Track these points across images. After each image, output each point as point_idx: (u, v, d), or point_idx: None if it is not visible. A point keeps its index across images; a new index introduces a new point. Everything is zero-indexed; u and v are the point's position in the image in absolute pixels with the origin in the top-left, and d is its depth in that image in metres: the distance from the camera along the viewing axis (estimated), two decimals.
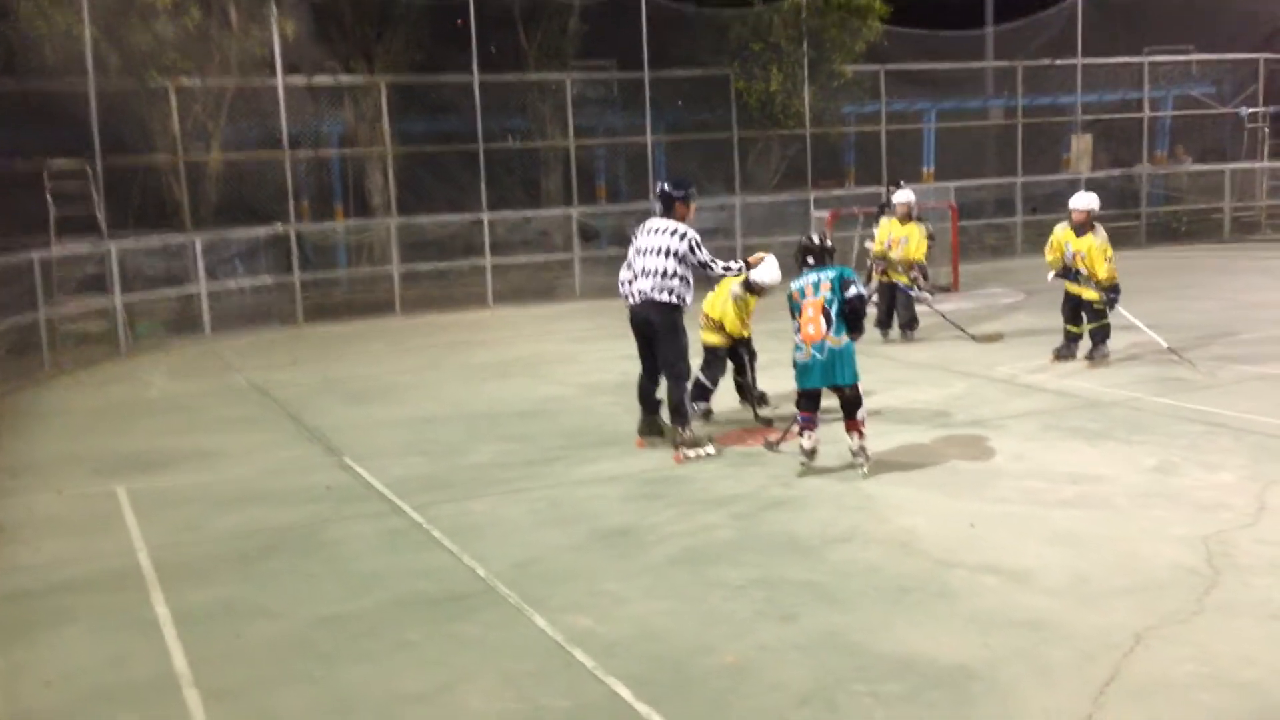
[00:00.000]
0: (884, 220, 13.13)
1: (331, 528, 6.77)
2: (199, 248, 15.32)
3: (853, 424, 7.32)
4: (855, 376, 7.28)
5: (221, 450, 8.81)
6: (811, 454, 7.37)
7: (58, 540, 6.77)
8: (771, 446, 7.75)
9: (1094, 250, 10.23)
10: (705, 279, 8.32)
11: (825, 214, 17.04)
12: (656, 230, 8.03)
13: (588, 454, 8.17)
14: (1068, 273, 10.52)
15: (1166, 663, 4.46)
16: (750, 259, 8.48)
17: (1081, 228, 10.33)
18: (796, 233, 18.95)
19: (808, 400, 7.41)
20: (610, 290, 17.66)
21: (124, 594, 5.81)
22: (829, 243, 7.65)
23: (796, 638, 4.91)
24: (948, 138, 23.51)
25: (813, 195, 19.57)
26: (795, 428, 7.54)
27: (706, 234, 19.67)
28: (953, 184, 20.43)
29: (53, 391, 11.73)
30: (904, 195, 12.88)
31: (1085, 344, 10.61)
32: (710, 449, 7.89)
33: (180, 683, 4.72)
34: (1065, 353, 10.64)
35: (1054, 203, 22.69)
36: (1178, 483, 6.80)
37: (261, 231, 16.42)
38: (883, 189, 16.66)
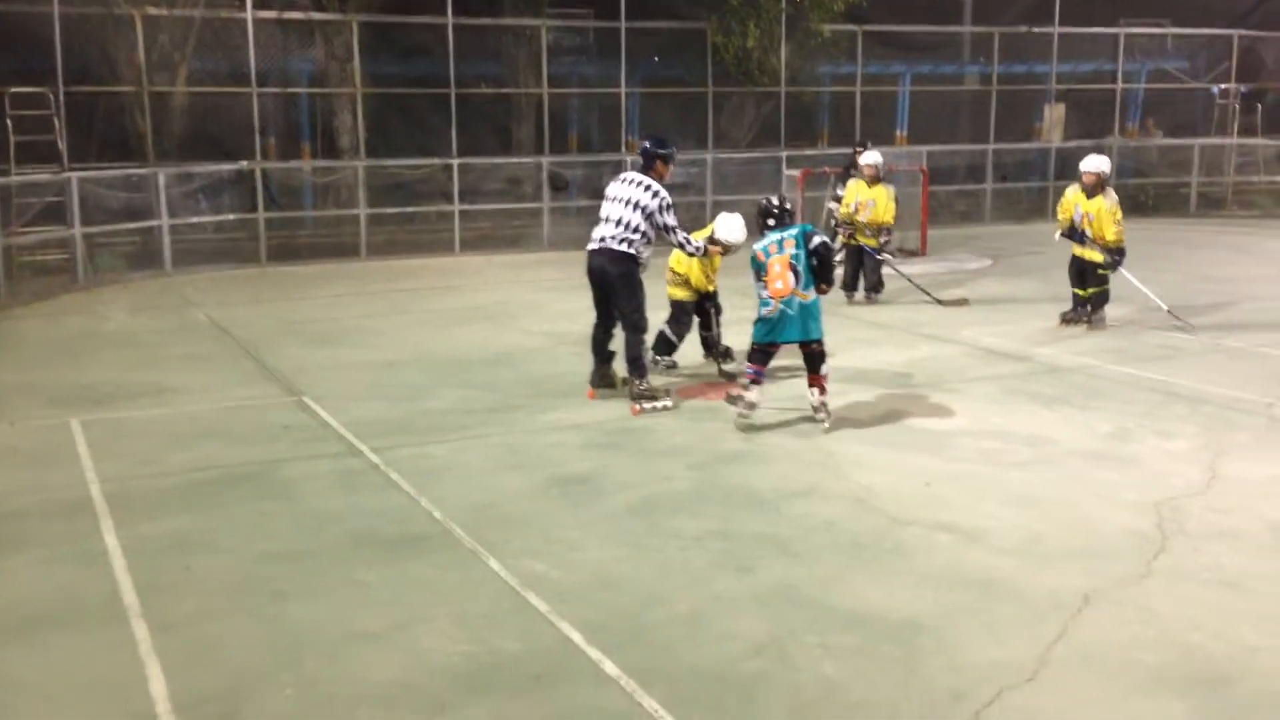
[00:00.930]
0: (851, 182, 13.08)
1: (288, 466, 6.72)
2: (162, 181, 15.07)
3: (816, 379, 7.34)
4: (822, 332, 7.29)
5: (179, 386, 8.71)
6: (752, 407, 7.41)
7: (8, 471, 6.68)
8: (734, 401, 7.76)
9: (1103, 212, 10.26)
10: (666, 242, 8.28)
11: (796, 173, 16.99)
12: (630, 181, 7.97)
13: (549, 402, 8.14)
14: (1075, 234, 10.50)
15: (1112, 624, 4.52)
16: (711, 248, 8.38)
17: (1092, 189, 10.34)
18: (768, 191, 18.99)
19: (762, 355, 7.44)
20: (580, 241, 17.59)
21: (74, 524, 5.75)
22: (788, 204, 7.64)
23: (751, 589, 4.94)
24: (922, 101, 23.47)
25: (785, 154, 19.49)
26: (744, 380, 7.56)
27: (677, 189, 19.68)
28: (925, 148, 20.42)
29: (8, 322, 11.55)
30: (871, 157, 12.80)
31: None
32: (668, 402, 7.88)
33: (128, 614, 4.68)
34: (1073, 316, 10.69)
35: (1025, 171, 22.81)
36: (1132, 449, 6.88)
37: (226, 168, 16.17)
38: (851, 150, 16.60)
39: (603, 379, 8.32)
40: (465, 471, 6.62)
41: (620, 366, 8.17)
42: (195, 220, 15.97)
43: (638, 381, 7.90)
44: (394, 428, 7.52)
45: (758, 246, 7.42)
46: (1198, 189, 22.53)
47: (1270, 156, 22.55)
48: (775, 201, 7.57)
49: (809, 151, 20.43)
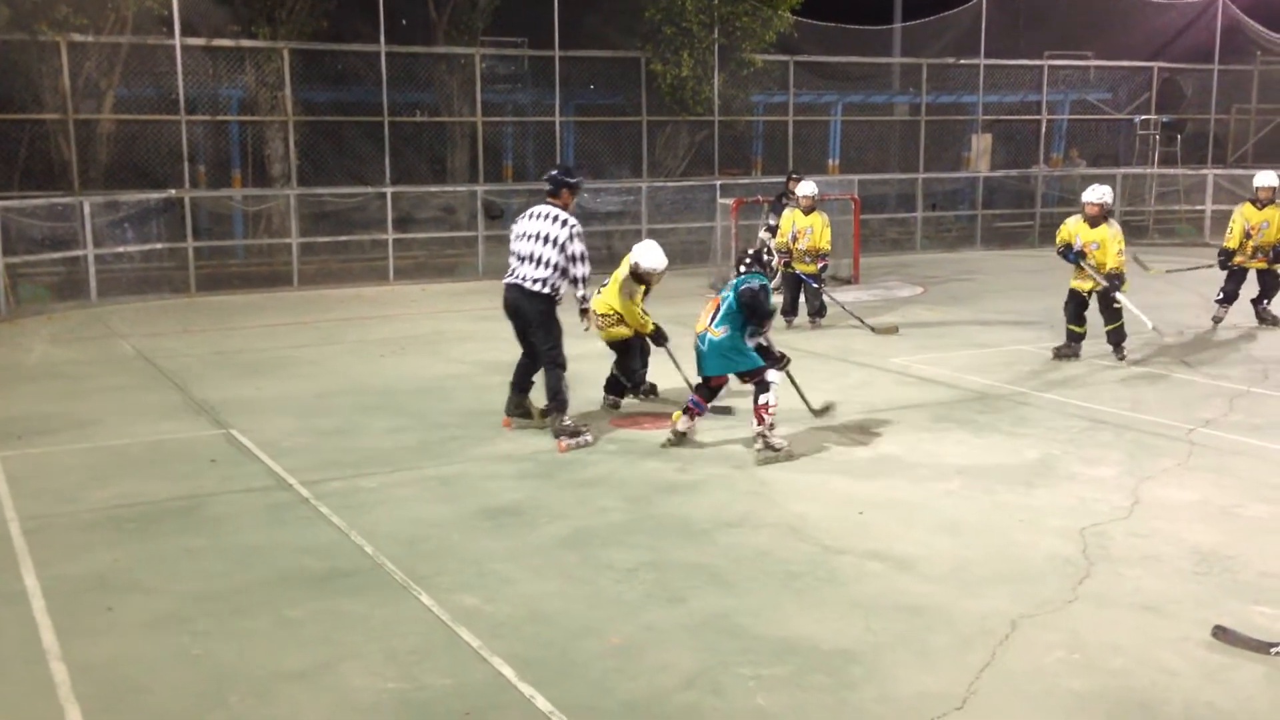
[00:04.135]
0: (787, 212, 13.33)
1: (214, 502, 6.61)
2: (87, 210, 14.76)
3: (756, 409, 7.44)
4: (733, 368, 7.50)
5: (103, 419, 8.52)
6: (679, 436, 7.62)
7: None
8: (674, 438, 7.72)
9: (1108, 240, 10.31)
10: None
11: (730, 202, 17.13)
12: (540, 216, 7.95)
13: (482, 433, 8.10)
14: (1075, 255, 10.46)
15: (1039, 649, 4.58)
16: (634, 286, 8.46)
17: (1095, 220, 10.42)
18: (702, 220, 19.15)
19: (703, 389, 7.67)
20: None
21: None
22: (764, 255, 7.94)
23: (684, 620, 4.94)
24: (853, 131, 23.82)
25: (719, 183, 19.64)
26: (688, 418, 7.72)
27: (613, 217, 19.87)
28: (856, 177, 20.71)
29: None
30: (807, 187, 13.12)
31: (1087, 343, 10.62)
32: (587, 437, 7.84)
33: (47, 655, 4.56)
34: (1067, 351, 10.58)
35: (954, 200, 23.20)
36: (1058, 475, 7.00)
37: (154, 196, 15.91)
38: (785, 178, 16.79)
39: (518, 408, 8.26)
40: (397, 504, 6.55)
41: (537, 397, 8.13)
42: (122, 250, 15.68)
43: (559, 417, 7.85)
44: (324, 461, 7.42)
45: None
46: (1120, 217, 23.05)
47: (1190, 185, 23.16)
48: (750, 252, 7.89)
49: (743, 180, 20.62)
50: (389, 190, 17.47)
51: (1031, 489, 6.72)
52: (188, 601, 5.16)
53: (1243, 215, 12.22)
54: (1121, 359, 10.41)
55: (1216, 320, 12.33)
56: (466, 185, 18.88)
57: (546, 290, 7.84)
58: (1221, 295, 12.31)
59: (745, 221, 16.87)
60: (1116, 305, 10.44)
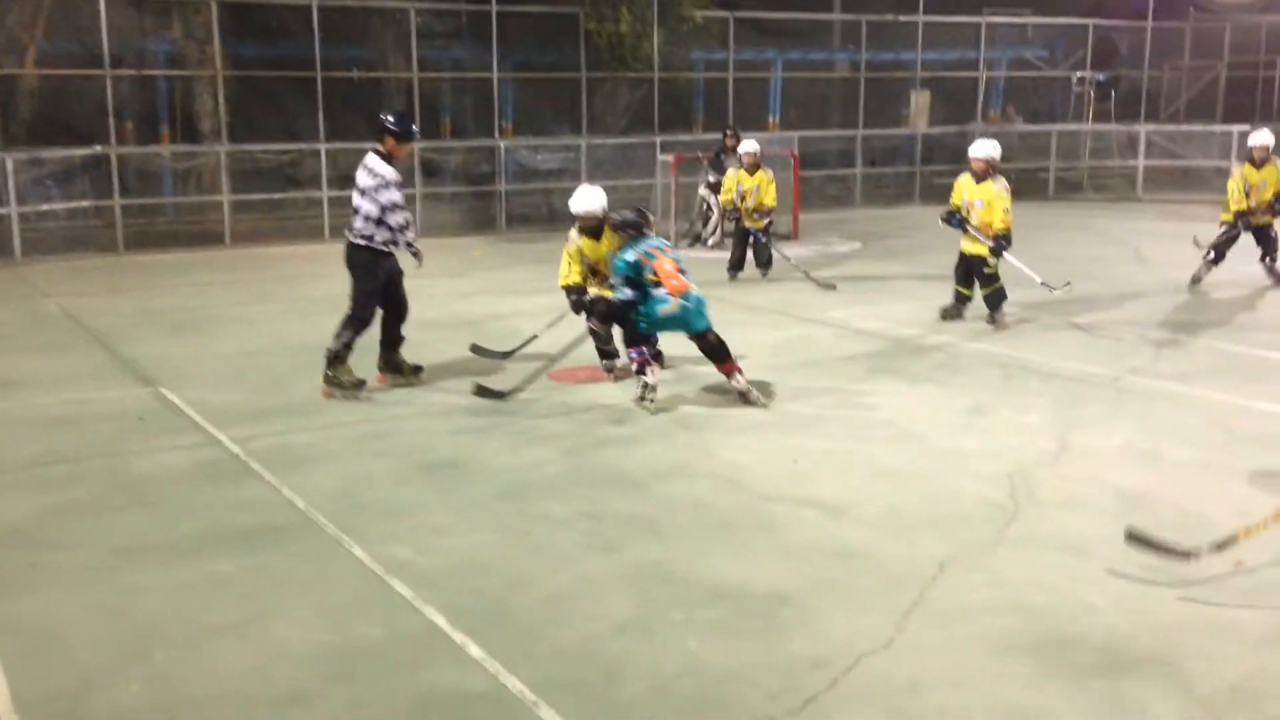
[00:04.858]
0: (731, 172, 13.34)
1: (141, 459, 6.49)
2: (10, 167, 14.37)
3: (731, 365, 7.56)
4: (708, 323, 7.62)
5: (25, 378, 8.33)
6: (654, 390, 7.54)
7: None
8: (643, 395, 7.52)
9: (992, 198, 10.08)
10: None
11: (670, 158, 17.07)
12: (362, 166, 7.85)
13: (419, 390, 8.02)
14: (955, 220, 10.31)
15: (965, 589, 4.66)
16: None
17: (980, 175, 10.23)
18: (643, 176, 19.07)
19: (645, 340, 7.64)
20: (452, 228, 17.50)
21: None
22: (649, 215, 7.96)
23: (618, 569, 4.95)
24: (793, 88, 23.80)
25: (659, 139, 19.56)
26: (632, 365, 7.64)
27: (553, 175, 19.71)
28: (796, 134, 20.73)
29: None
30: (749, 146, 13.14)
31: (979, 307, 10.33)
32: (358, 393, 7.76)
33: None
34: (953, 313, 10.38)
35: (893, 156, 23.28)
36: (988, 422, 7.10)
37: (79, 153, 15.50)
38: (721, 135, 16.74)
39: (388, 365, 8.18)
40: (329, 460, 6.48)
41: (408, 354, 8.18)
42: (47, 208, 15.27)
43: (337, 365, 7.80)
44: (256, 416, 7.32)
45: (636, 252, 7.49)
46: (1056, 173, 23.33)
47: (1123, 142, 23.46)
48: (644, 211, 7.86)
49: (683, 137, 20.54)
50: (323, 147, 17.15)
51: (962, 435, 6.81)
52: (113, 556, 5.07)
53: (1242, 175, 11.98)
54: (993, 323, 10.01)
55: (1196, 280, 12.01)
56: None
57: (360, 241, 7.76)
58: (1212, 255, 11.99)
59: (685, 178, 16.84)
60: (989, 270, 10.08)
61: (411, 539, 5.28)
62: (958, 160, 22.83)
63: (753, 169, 12.89)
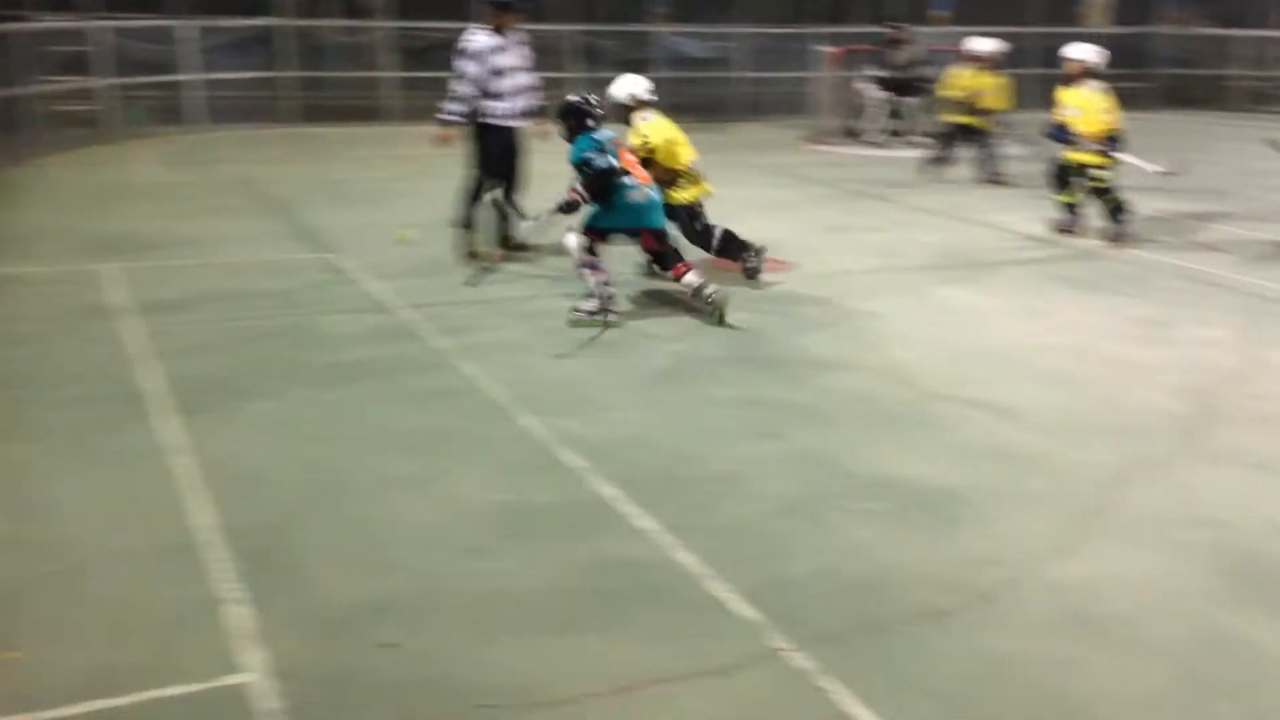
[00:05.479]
0: (964, 70, 12.36)
1: (320, 320, 6.74)
2: (188, 35, 14.80)
3: (682, 267, 7.02)
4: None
5: (208, 238, 8.70)
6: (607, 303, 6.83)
7: (39, 312, 6.70)
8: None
9: (1085, 102, 9.35)
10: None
11: (829, 50, 16.58)
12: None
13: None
14: (1061, 135, 9.60)
15: (1147, 500, 4.53)
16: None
17: (1074, 79, 9.53)
18: (798, 69, 18.58)
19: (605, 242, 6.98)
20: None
21: (110, 365, 5.79)
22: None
23: (782, 454, 4.95)
24: None
25: (817, 30, 18.99)
26: (590, 274, 6.82)
27: (706, 64, 19.33)
28: (965, 29, 19.84)
29: (39, 171, 11.49)
30: (989, 44, 12.28)
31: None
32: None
33: (175, 450, 4.74)
34: (1067, 225, 9.72)
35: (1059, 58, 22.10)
36: (1170, 335, 6.82)
37: (254, 23, 15.86)
38: (886, 29, 16.12)
39: (501, 238, 8.25)
40: (491, 332, 6.61)
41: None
42: (222, 77, 15.73)
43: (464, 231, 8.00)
44: (424, 289, 7.49)
45: (602, 137, 6.90)
46: (1240, 82, 21.89)
47: None
48: (595, 101, 7.14)
49: (842, 29, 19.90)
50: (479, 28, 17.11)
51: (1141, 347, 6.56)
52: (301, 408, 5.31)
53: None
54: (1116, 240, 9.22)
55: None
56: (568, 25, 18.50)
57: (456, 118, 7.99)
58: None
59: (846, 73, 16.36)
60: (1098, 182, 9.27)
61: (578, 412, 5.37)
62: (1139, 65, 21.79)
63: (991, 69, 12.09)
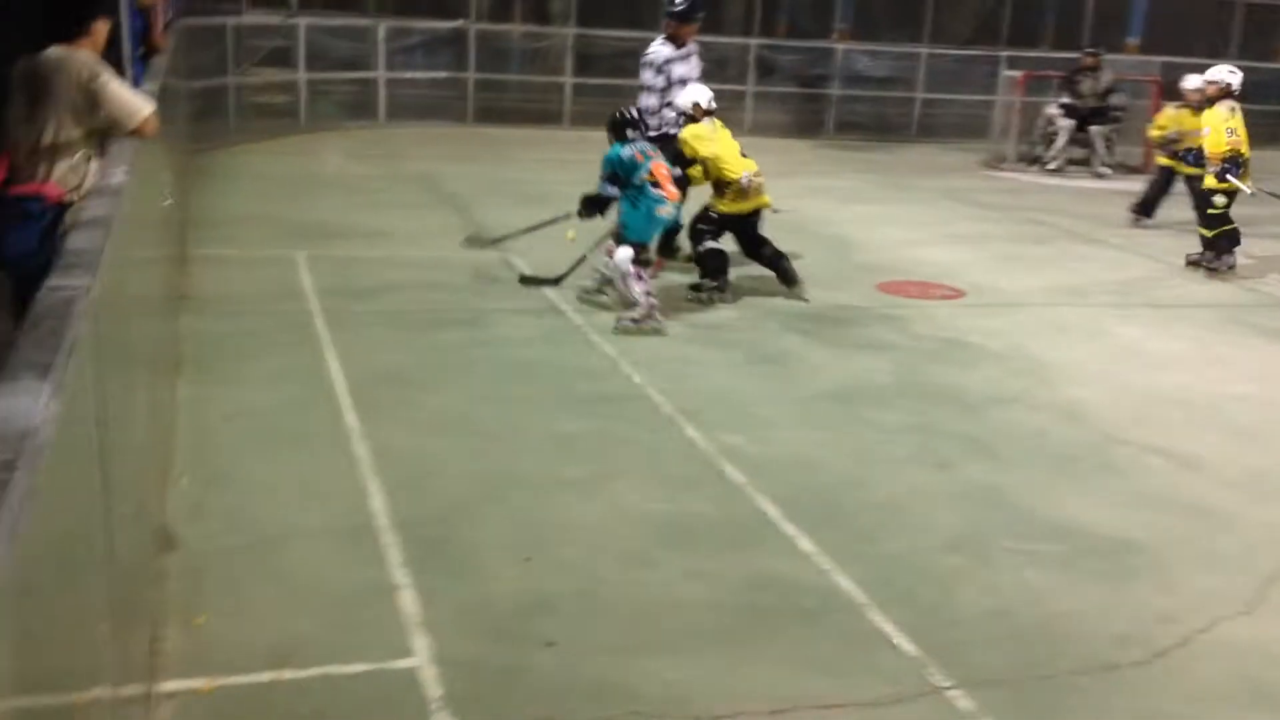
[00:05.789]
0: (1171, 110, 11.19)
1: (494, 318, 6.91)
2: (382, 34, 15.39)
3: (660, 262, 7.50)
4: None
5: (392, 230, 9.02)
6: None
7: (243, 293, 7.06)
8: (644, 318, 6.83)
9: (1215, 121, 9.07)
10: None
11: (1017, 74, 16.16)
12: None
13: (749, 284, 8.07)
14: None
15: None
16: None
17: (1212, 101, 9.24)
18: (980, 92, 18.16)
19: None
20: (778, 128, 17.35)
21: (302, 352, 6.06)
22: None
23: (950, 486, 4.86)
24: (1158, 7, 21.84)
25: (1006, 54, 18.52)
26: (637, 283, 6.83)
27: (886, 83, 19.07)
28: (1159, 59, 19.09)
29: (236, 157, 12.09)
30: (1202, 79, 10.99)
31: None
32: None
33: (351, 436, 4.94)
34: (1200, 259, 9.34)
35: (1265, 93, 21.03)
36: None
37: (443, 25, 16.39)
38: (1080, 54, 15.60)
39: (664, 248, 8.10)
40: (663, 342, 6.66)
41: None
42: (409, 75, 16.29)
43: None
44: (593, 291, 7.58)
45: (631, 150, 7.00)
46: None
47: None
48: (635, 113, 7.38)
49: (1030, 53, 19.37)
50: (661, 37, 17.29)
51: None
52: (474, 403, 5.46)
53: None
54: (1213, 268, 8.96)
55: None
56: (741, 38, 18.54)
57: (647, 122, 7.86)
58: None
59: (1031, 98, 15.92)
60: (1215, 208, 8.94)
61: (742, 427, 5.37)
62: None
63: (1200, 106, 9.94)
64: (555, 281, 7.49)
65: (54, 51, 4.11)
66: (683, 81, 8.14)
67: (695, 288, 7.54)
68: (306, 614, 3.58)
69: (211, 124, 12.44)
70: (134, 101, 4.20)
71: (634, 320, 6.77)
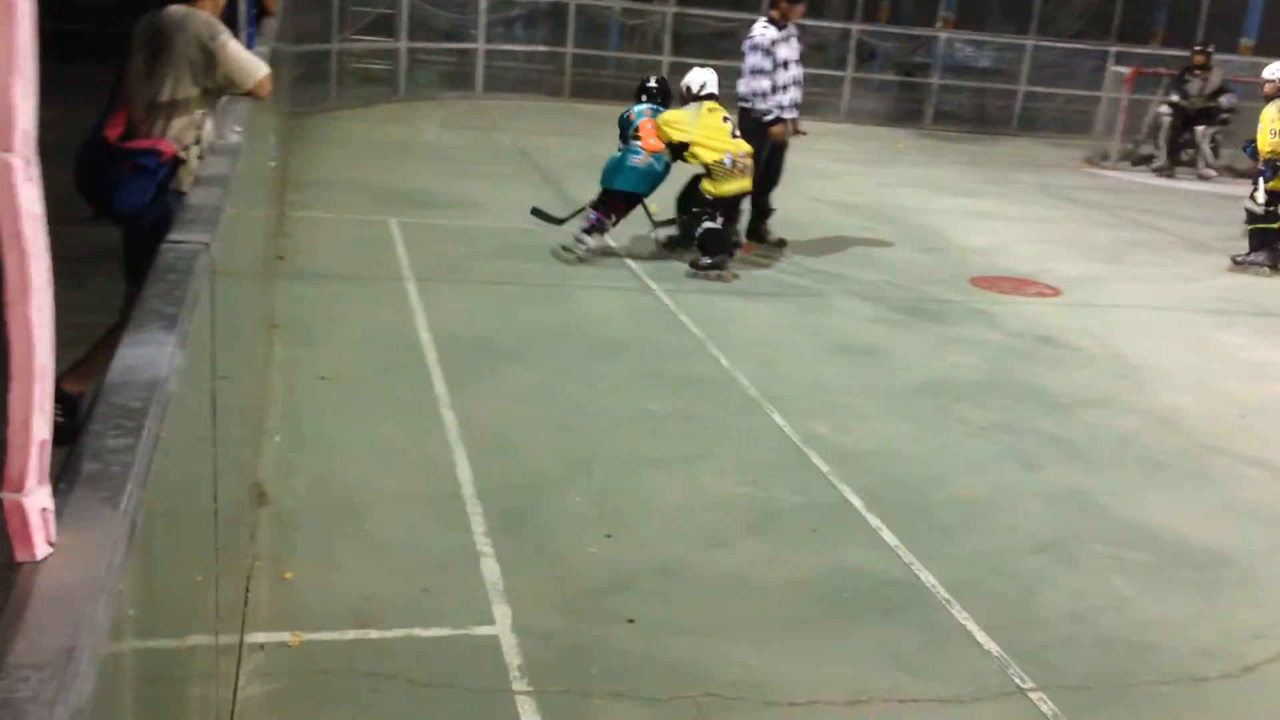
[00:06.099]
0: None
1: (583, 293, 6.95)
2: (483, 5, 15.49)
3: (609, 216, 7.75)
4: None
5: (484, 201, 9.10)
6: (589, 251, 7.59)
7: (336, 256, 7.19)
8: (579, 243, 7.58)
9: (1263, 119, 8.91)
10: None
11: (1126, 70, 15.74)
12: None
13: (841, 270, 8.02)
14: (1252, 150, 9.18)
15: None
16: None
17: (1271, 99, 9.05)
18: (1085, 88, 17.73)
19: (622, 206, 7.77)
20: (875, 116, 17.14)
21: (393, 314, 6.16)
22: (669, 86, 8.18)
23: (1037, 487, 4.79)
24: (1275, 7, 21.09)
25: (1115, 49, 18.06)
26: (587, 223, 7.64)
27: (989, 74, 18.73)
28: (1275, 60, 18.43)
29: (335, 123, 12.28)
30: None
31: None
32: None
33: (439, 403, 5.01)
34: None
35: None
36: None
37: None
38: (1190, 52, 15.10)
39: (753, 232, 8.28)
40: (753, 326, 6.65)
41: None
42: (507, 48, 16.38)
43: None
44: (683, 274, 7.59)
45: (633, 110, 7.91)
46: None
47: None
48: (655, 83, 8.21)
49: (1140, 49, 18.86)
50: (761, 19, 17.15)
51: None
52: (559, 377, 5.50)
53: None
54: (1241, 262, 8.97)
55: None
56: (841, 23, 18.32)
57: (743, 104, 8.10)
58: None
59: (1138, 95, 15.50)
60: (1254, 206, 8.98)
61: (828, 416, 5.34)
62: None
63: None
64: (560, 221, 7.88)
65: (176, 9, 4.20)
66: (785, 64, 8.08)
67: (695, 265, 7.55)
68: (391, 575, 3.65)
69: (313, 88, 12.63)
70: (251, 62, 4.28)
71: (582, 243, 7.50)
